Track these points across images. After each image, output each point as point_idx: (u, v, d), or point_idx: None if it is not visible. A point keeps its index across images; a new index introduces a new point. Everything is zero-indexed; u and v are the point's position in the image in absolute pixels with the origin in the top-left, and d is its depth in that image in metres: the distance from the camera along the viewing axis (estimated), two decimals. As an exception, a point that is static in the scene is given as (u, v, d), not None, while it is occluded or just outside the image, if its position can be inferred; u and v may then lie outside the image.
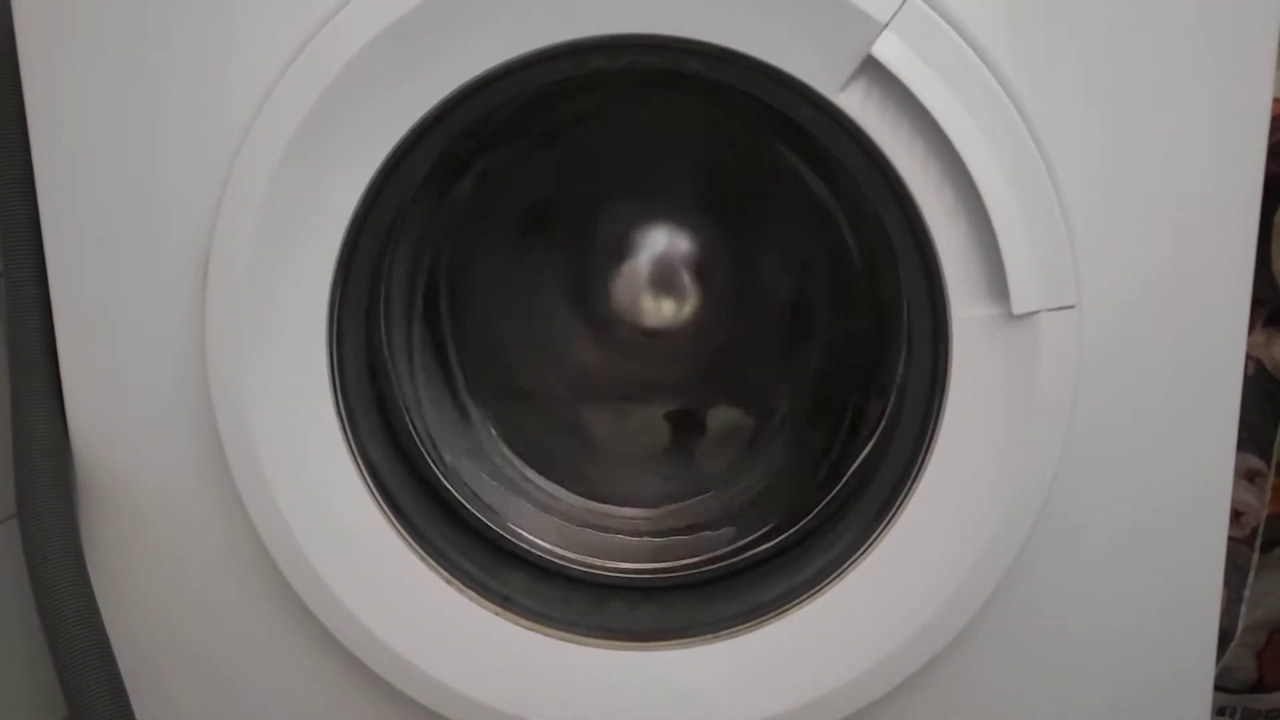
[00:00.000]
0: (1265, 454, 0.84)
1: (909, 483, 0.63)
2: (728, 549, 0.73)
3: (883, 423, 0.69)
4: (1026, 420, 0.60)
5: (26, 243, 0.66)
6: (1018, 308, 0.58)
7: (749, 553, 0.73)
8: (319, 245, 0.62)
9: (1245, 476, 0.84)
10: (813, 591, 0.65)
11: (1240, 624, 0.88)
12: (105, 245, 0.64)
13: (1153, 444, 0.64)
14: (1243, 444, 0.75)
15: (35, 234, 0.65)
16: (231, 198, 0.61)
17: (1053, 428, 0.60)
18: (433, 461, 0.72)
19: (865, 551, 0.64)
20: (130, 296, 0.64)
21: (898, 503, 0.64)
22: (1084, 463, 0.63)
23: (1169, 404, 0.64)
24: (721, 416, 0.79)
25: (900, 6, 0.55)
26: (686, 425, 0.79)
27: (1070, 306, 0.58)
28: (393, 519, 0.66)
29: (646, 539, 0.76)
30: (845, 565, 0.65)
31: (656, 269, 0.74)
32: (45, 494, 0.65)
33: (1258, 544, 0.85)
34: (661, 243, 0.74)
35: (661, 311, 0.75)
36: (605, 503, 0.77)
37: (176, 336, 0.65)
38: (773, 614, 0.66)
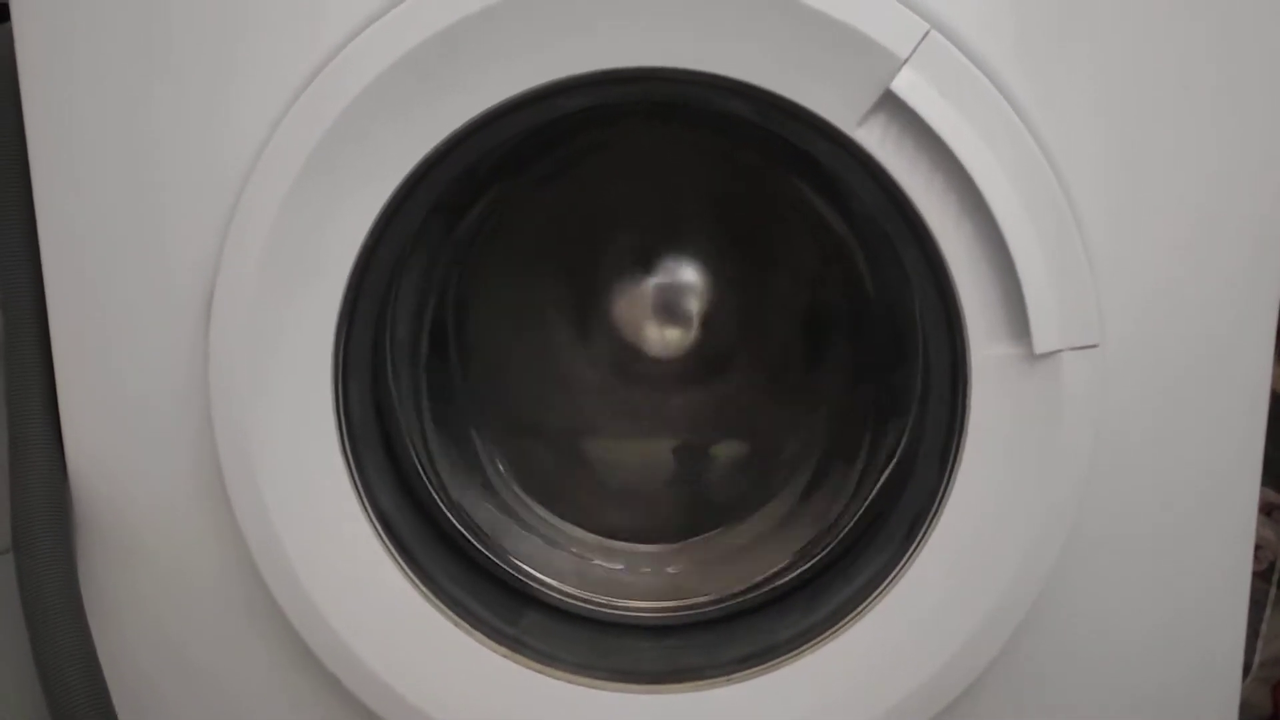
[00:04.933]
0: (1282, 487, 0.83)
1: (927, 522, 0.62)
2: (741, 586, 0.72)
3: (898, 461, 0.68)
4: (1048, 460, 0.59)
5: (25, 275, 0.65)
6: (1040, 347, 0.57)
7: (763, 589, 0.71)
8: (325, 281, 0.61)
9: (1262, 510, 0.83)
10: (829, 632, 0.64)
11: (1256, 659, 0.87)
12: (106, 279, 0.62)
13: (1175, 487, 0.63)
14: (1261, 478, 0.74)
15: (35, 266, 0.64)
16: (237, 233, 0.60)
17: (1074, 467, 0.59)
18: (440, 499, 0.70)
19: (882, 591, 0.63)
20: (132, 331, 0.63)
21: (916, 542, 0.62)
22: (1105, 503, 0.63)
23: (1191, 445, 0.63)
24: (733, 450, 0.78)
25: (920, 42, 0.55)
26: (697, 459, 0.78)
27: (1093, 345, 0.57)
28: (398, 558, 0.65)
29: (658, 575, 0.74)
30: (862, 605, 0.63)
31: (667, 302, 0.73)
32: (43, 533, 0.64)
33: (1275, 579, 0.84)
34: (672, 275, 0.73)
35: (671, 345, 0.74)
36: (616, 539, 0.76)
37: (179, 372, 0.63)
38: (789, 655, 0.65)
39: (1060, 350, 0.57)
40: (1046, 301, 0.56)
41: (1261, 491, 0.73)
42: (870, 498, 0.70)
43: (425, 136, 0.58)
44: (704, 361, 0.75)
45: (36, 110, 0.61)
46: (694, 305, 0.73)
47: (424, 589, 0.65)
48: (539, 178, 0.71)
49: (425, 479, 0.71)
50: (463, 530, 0.71)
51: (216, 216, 0.60)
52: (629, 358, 0.75)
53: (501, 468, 0.76)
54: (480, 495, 0.74)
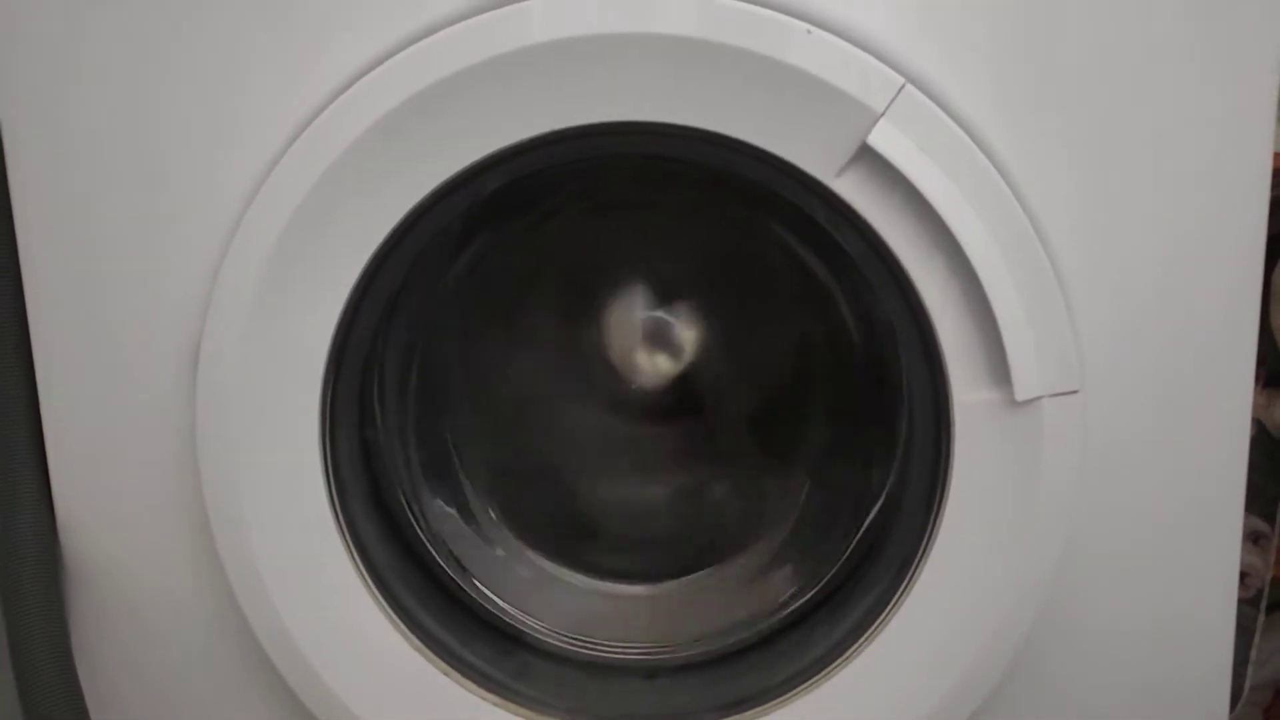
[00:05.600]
0: (1269, 516, 0.83)
1: (912, 568, 0.62)
2: (731, 628, 0.72)
3: (884, 503, 0.69)
4: (1032, 504, 0.59)
5: (11, 332, 0.65)
6: (1020, 394, 0.57)
7: (754, 630, 0.72)
8: (312, 330, 0.61)
9: (1249, 538, 0.84)
10: (822, 673, 0.64)
11: (1247, 684, 0.87)
12: (93, 328, 0.63)
13: (1160, 520, 0.64)
14: (1246, 506, 0.75)
15: (21, 323, 0.64)
16: (223, 285, 0.60)
17: (1057, 511, 0.60)
18: (430, 545, 0.71)
19: (873, 633, 0.63)
20: (120, 381, 0.63)
21: (901, 587, 0.63)
22: (1090, 545, 0.63)
23: (1175, 477, 0.63)
24: (720, 492, 0.78)
25: (896, 96, 0.55)
26: (685, 501, 0.78)
27: (1074, 392, 0.58)
28: (386, 606, 0.65)
29: (649, 617, 0.75)
30: (852, 647, 0.64)
31: (653, 346, 0.73)
32: (30, 579, 0.64)
33: (1263, 605, 0.85)
34: (657, 320, 0.73)
35: (658, 388, 0.75)
36: (606, 580, 0.76)
37: (166, 422, 0.63)
38: (780, 698, 0.65)
39: (1041, 397, 0.58)
40: (1026, 350, 0.57)
41: (1247, 519, 0.74)
42: (857, 538, 0.70)
43: (409, 193, 0.59)
44: (690, 405, 0.76)
45: (20, 164, 0.61)
46: (680, 350, 0.74)
47: (413, 637, 0.65)
48: (524, 226, 0.71)
49: (414, 524, 0.71)
50: (453, 575, 0.71)
51: (204, 267, 0.61)
52: (616, 401, 0.75)
53: (492, 512, 0.76)
54: (470, 540, 0.74)
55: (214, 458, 0.61)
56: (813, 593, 0.71)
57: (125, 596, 0.67)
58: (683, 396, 0.75)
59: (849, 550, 0.70)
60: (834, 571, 0.71)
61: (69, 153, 0.60)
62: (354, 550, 0.65)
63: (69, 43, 0.59)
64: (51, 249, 0.62)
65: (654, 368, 0.74)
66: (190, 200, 0.60)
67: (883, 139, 0.55)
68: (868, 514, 0.70)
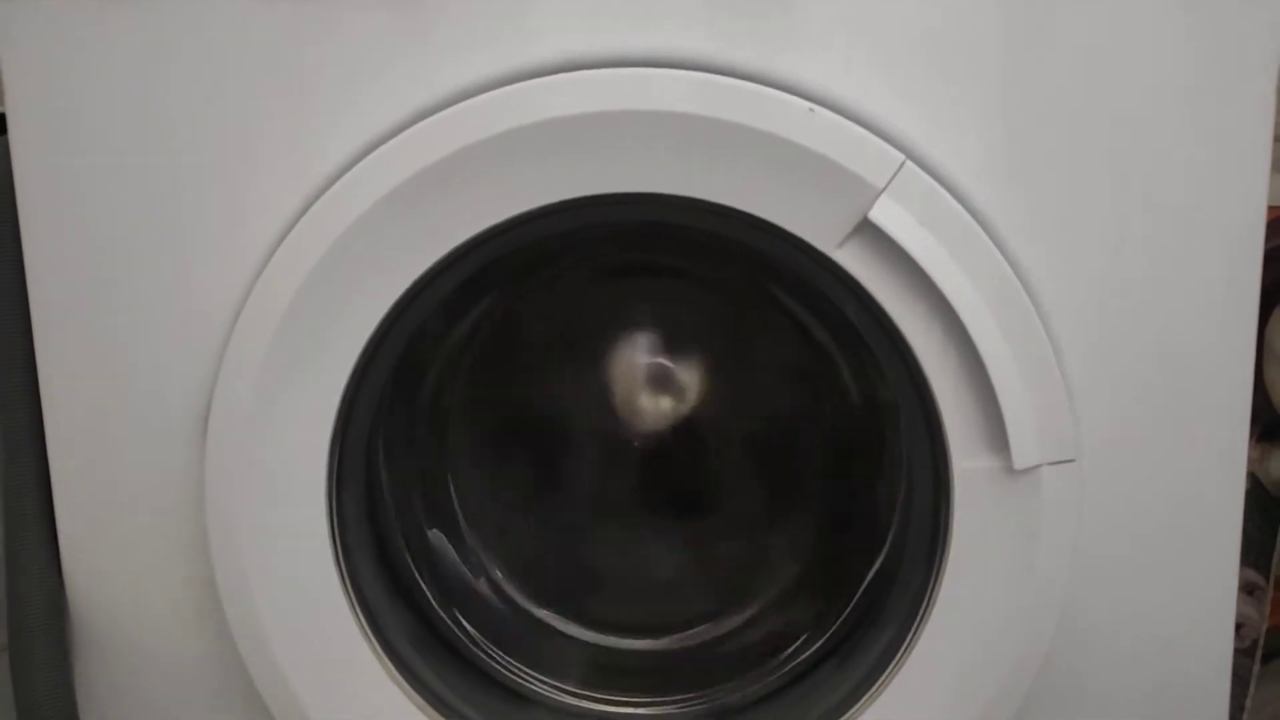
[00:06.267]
0: (1263, 568, 0.84)
1: (912, 630, 0.63)
2: (735, 683, 0.73)
3: (884, 563, 0.69)
4: (1029, 570, 0.60)
5: (22, 386, 0.66)
6: (1019, 463, 0.58)
7: (758, 685, 0.72)
8: (320, 396, 0.62)
9: (1244, 589, 0.84)
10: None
11: (1243, 733, 0.88)
12: (104, 397, 0.64)
13: (1154, 584, 0.65)
14: (1241, 558, 0.76)
15: (31, 376, 0.65)
16: (233, 352, 0.61)
17: (1055, 576, 0.61)
18: (435, 603, 0.71)
19: (869, 699, 0.64)
20: (129, 452, 0.64)
21: (901, 650, 0.63)
22: (1086, 609, 0.64)
23: (1169, 547, 0.64)
24: (723, 547, 0.79)
25: (896, 172, 0.56)
26: (689, 557, 0.79)
27: (1070, 460, 0.59)
28: (393, 668, 0.65)
29: (654, 672, 0.75)
30: (850, 710, 0.64)
31: (655, 405, 0.74)
32: (38, 636, 0.65)
33: (1258, 656, 0.85)
34: (659, 380, 0.74)
35: (661, 446, 0.75)
36: (610, 634, 0.77)
37: (174, 485, 0.64)
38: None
39: (1039, 465, 0.59)
40: (1024, 419, 0.58)
41: (1242, 571, 0.75)
42: (857, 597, 0.71)
43: (415, 263, 0.60)
44: (692, 463, 0.77)
45: (35, 235, 0.62)
46: (681, 409, 0.75)
47: (419, 698, 0.65)
48: (530, 290, 0.72)
49: (419, 581, 0.71)
50: (458, 633, 0.71)
51: (215, 334, 0.62)
52: (620, 460, 0.76)
53: (498, 571, 0.77)
54: (474, 595, 0.75)
55: (222, 523, 0.62)
56: (812, 652, 0.72)
57: (131, 656, 0.67)
58: (685, 454, 0.76)
59: (849, 609, 0.71)
60: (834, 629, 0.71)
61: (81, 225, 0.61)
62: (359, 609, 0.65)
63: (79, 118, 0.60)
64: (65, 317, 0.63)
65: (656, 426, 0.75)
66: (203, 269, 0.61)
67: (883, 214, 0.56)
68: (868, 571, 0.71)
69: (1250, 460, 0.85)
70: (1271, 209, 0.95)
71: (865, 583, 0.71)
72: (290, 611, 0.63)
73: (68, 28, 0.59)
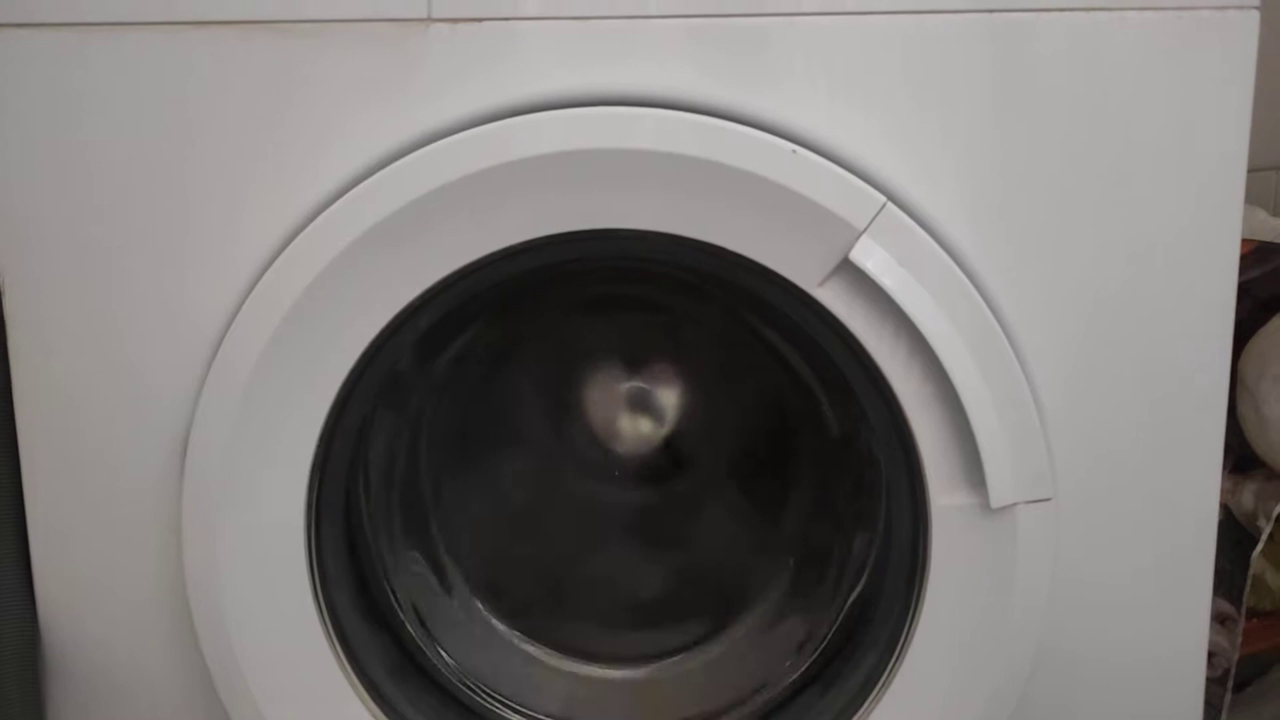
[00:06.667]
0: (1235, 598, 0.85)
1: (892, 660, 0.64)
2: (710, 713, 0.73)
3: (862, 595, 0.70)
4: (1006, 607, 0.61)
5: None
6: (996, 501, 0.59)
7: (732, 717, 0.72)
8: (299, 430, 0.61)
9: (1217, 620, 0.86)
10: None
11: (1214, 761, 0.89)
12: (79, 427, 0.63)
13: (1129, 616, 0.66)
14: (1213, 589, 0.77)
15: (5, 402, 0.64)
16: (213, 385, 0.60)
17: (1031, 613, 0.61)
18: (415, 634, 0.71)
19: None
20: (104, 485, 0.63)
21: (881, 679, 0.64)
22: (1063, 640, 0.65)
23: (1144, 580, 0.65)
24: (703, 577, 0.79)
25: (877, 214, 0.57)
26: (667, 584, 0.79)
27: (1047, 499, 0.60)
28: (370, 701, 0.65)
29: (639, 700, 0.75)
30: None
31: (636, 437, 0.75)
32: (12, 681, 0.64)
33: (1230, 685, 0.86)
34: (640, 412, 0.75)
35: (642, 478, 0.76)
36: (589, 663, 0.77)
37: (152, 524, 0.64)
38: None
39: (1016, 504, 0.59)
40: (1001, 459, 0.58)
41: (1215, 602, 0.76)
42: (836, 627, 0.71)
43: (398, 296, 0.60)
44: (673, 494, 0.77)
45: (12, 257, 0.61)
46: (662, 441, 0.75)
47: (394, 728, 0.65)
48: (511, 322, 0.72)
49: (398, 612, 0.71)
50: (439, 666, 0.71)
51: (194, 363, 0.61)
52: (599, 492, 0.76)
53: (478, 601, 0.77)
54: (455, 625, 0.75)
55: (199, 554, 0.61)
56: (797, 675, 0.72)
57: (105, 688, 0.66)
58: (665, 485, 0.76)
59: (829, 636, 0.72)
60: (815, 657, 0.72)
61: (61, 252, 0.61)
62: (336, 639, 0.65)
63: (59, 150, 0.60)
64: (43, 343, 0.62)
65: (637, 458, 0.75)
66: (186, 296, 0.61)
67: (864, 255, 0.57)
68: (847, 601, 0.71)
69: (1223, 492, 0.86)
70: (1245, 242, 0.97)
71: (844, 612, 0.71)
72: (267, 643, 0.63)
73: (50, 55, 0.59)
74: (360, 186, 0.58)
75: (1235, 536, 0.85)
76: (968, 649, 0.62)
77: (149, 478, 0.63)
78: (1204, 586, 0.68)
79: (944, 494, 0.60)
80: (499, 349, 0.73)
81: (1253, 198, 1.07)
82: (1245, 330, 0.88)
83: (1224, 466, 0.88)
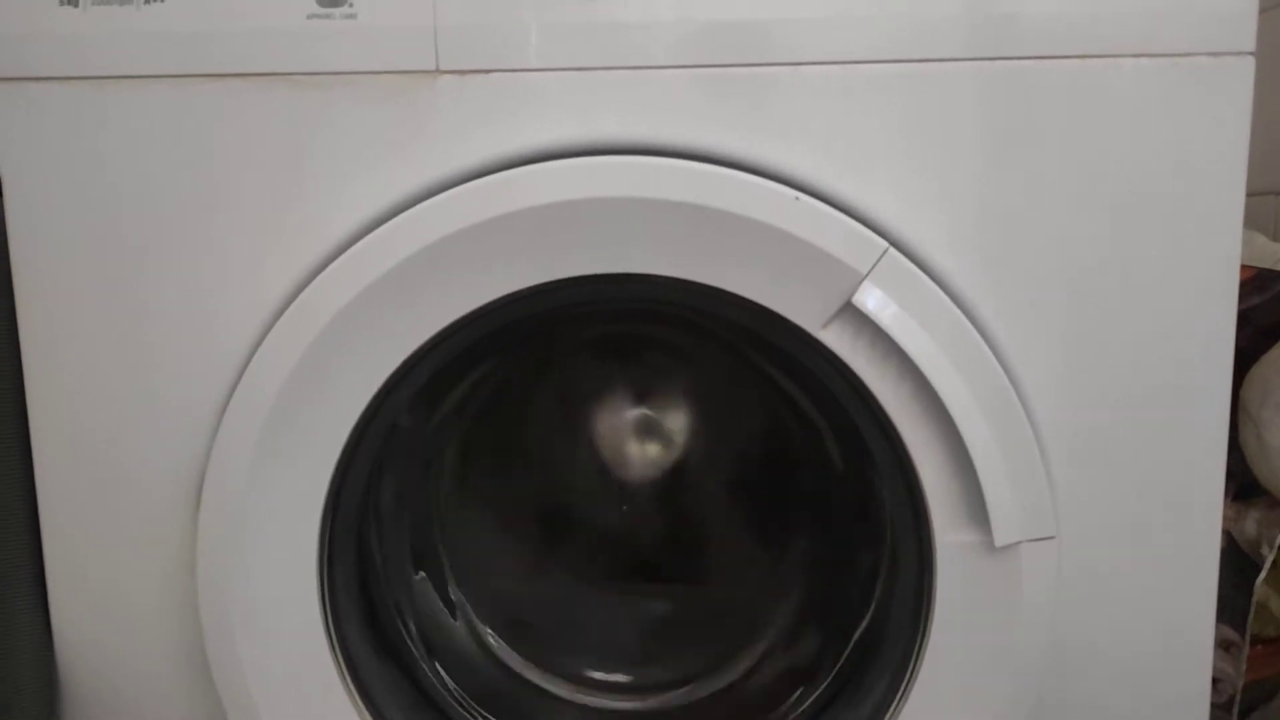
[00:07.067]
0: (1238, 625, 0.86)
1: (897, 697, 0.64)
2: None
3: (867, 626, 0.71)
4: (1010, 641, 0.62)
5: (15, 458, 0.66)
6: (1000, 540, 0.60)
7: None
8: (312, 470, 0.62)
9: (1221, 646, 0.86)
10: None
11: (1221, 786, 0.89)
12: (97, 463, 0.64)
13: (1134, 645, 0.66)
14: (1217, 615, 0.77)
15: (24, 449, 0.66)
16: (229, 427, 0.61)
17: (1035, 646, 0.62)
18: (425, 666, 0.72)
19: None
20: (122, 524, 0.65)
21: (886, 716, 0.64)
22: (1068, 673, 0.65)
23: (1148, 608, 0.66)
24: (709, 609, 0.80)
25: (879, 259, 0.58)
26: (674, 616, 0.80)
27: (1050, 538, 0.60)
28: (385, 736, 0.66)
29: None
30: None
31: (642, 471, 0.75)
32: (29, 704, 0.65)
33: (1235, 711, 0.87)
34: (647, 447, 0.76)
35: (648, 511, 0.77)
36: (596, 694, 0.77)
37: (166, 556, 0.65)
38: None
39: (1019, 542, 0.60)
40: (1005, 498, 0.59)
41: (1219, 628, 0.77)
42: (843, 658, 0.72)
43: (411, 338, 0.61)
44: (680, 528, 0.78)
45: (29, 310, 0.63)
46: (669, 475, 0.76)
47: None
48: (519, 362, 0.74)
49: (409, 645, 0.72)
50: (447, 695, 0.72)
51: (210, 406, 0.63)
52: (607, 525, 0.77)
53: (487, 633, 0.77)
54: (464, 658, 0.76)
55: (213, 595, 0.63)
56: (804, 707, 0.73)
57: (120, 716, 0.68)
58: (673, 519, 0.77)
59: (836, 670, 0.72)
60: (821, 690, 0.72)
61: (76, 301, 0.62)
62: (348, 674, 0.66)
63: (73, 198, 0.61)
64: (59, 391, 0.64)
65: (645, 492, 0.76)
66: (198, 345, 0.62)
67: (866, 298, 0.58)
68: (853, 633, 0.72)
69: (1226, 519, 0.87)
70: (1244, 268, 0.97)
71: (851, 644, 0.72)
72: (279, 677, 0.64)
73: (71, 107, 0.60)
74: (373, 233, 0.59)
75: (1238, 564, 0.85)
76: (973, 682, 0.63)
77: (165, 508, 0.64)
78: (1208, 614, 0.68)
79: (948, 531, 0.61)
80: (509, 387, 0.74)
81: (1251, 222, 1.08)
82: (1246, 358, 0.88)
83: (1226, 494, 0.88)
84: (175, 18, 0.59)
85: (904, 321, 0.58)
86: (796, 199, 0.58)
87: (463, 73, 0.60)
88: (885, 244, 0.58)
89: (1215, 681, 0.86)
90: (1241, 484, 0.87)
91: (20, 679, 0.65)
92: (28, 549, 0.67)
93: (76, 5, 0.59)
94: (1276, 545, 0.84)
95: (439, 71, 0.60)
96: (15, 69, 0.60)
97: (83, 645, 0.67)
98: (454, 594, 0.76)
